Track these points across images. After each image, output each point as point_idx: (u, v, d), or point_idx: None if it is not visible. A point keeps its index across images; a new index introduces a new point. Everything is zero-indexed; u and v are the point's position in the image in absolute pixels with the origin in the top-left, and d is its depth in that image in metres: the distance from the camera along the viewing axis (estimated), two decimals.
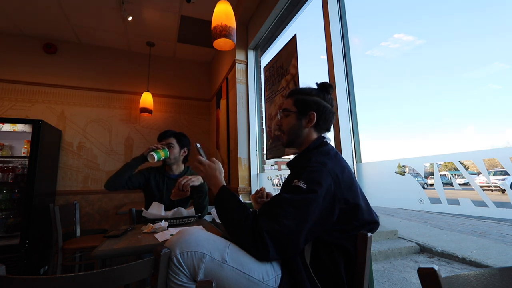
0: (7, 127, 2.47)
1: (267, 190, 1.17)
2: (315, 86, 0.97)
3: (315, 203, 0.70)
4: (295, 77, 1.79)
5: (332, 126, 0.97)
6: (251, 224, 0.71)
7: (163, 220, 1.16)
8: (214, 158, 0.95)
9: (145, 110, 2.95)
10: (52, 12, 2.59)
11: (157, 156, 1.43)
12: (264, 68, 2.34)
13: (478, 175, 1.03)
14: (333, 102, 0.95)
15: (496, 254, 2.91)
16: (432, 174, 1.07)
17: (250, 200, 2.19)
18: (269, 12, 2.12)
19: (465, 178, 0.97)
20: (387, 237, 3.51)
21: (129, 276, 0.57)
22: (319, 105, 0.90)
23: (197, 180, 1.38)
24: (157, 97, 3.37)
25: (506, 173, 0.84)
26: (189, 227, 0.78)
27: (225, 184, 0.88)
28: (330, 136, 1.01)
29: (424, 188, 1.10)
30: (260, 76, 2.51)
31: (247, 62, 2.60)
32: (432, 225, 4.59)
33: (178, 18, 2.74)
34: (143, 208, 1.42)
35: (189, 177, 1.37)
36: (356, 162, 1.38)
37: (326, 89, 0.95)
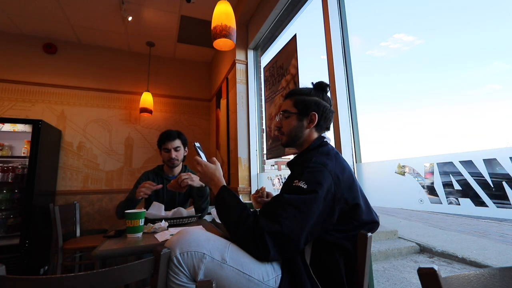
0: (7, 127, 2.47)
1: (267, 190, 1.16)
2: (311, 86, 0.97)
3: (315, 203, 0.70)
4: (295, 77, 1.79)
5: (332, 126, 0.98)
6: (251, 225, 0.71)
7: (163, 220, 1.16)
8: (214, 158, 0.95)
9: (145, 110, 2.95)
10: (52, 12, 2.59)
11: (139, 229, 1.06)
12: (264, 68, 2.34)
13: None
14: (331, 101, 0.95)
15: (496, 254, 2.91)
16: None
17: (250, 200, 2.20)
18: (269, 12, 2.12)
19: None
20: (387, 237, 3.51)
21: (129, 276, 0.57)
22: (319, 105, 0.91)
23: (197, 182, 1.36)
24: (157, 97, 3.37)
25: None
26: (189, 227, 0.78)
27: (225, 184, 0.88)
28: (330, 136, 1.01)
29: (424, 188, 1.10)
30: (260, 76, 2.51)
31: (247, 62, 2.60)
32: (432, 225, 4.59)
33: (178, 18, 2.74)
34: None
35: (192, 176, 1.36)
36: (356, 162, 1.38)
37: (323, 88, 0.95)
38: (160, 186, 1.34)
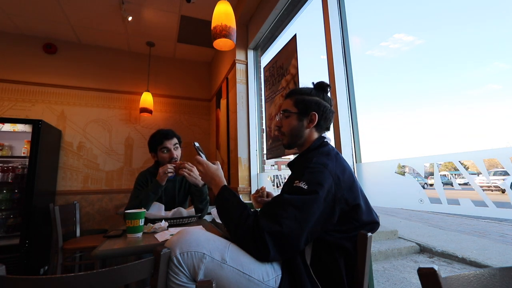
0: (7, 127, 2.47)
1: (267, 190, 1.16)
2: (311, 86, 0.97)
3: (316, 203, 0.70)
4: (295, 77, 1.79)
5: (332, 126, 0.97)
6: (252, 225, 0.71)
7: (163, 220, 1.16)
8: (218, 162, 0.95)
9: (145, 110, 2.95)
10: (52, 12, 2.59)
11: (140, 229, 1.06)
12: (264, 68, 2.34)
13: (478, 175, 1.03)
14: (331, 101, 0.95)
15: (496, 254, 2.91)
16: (432, 174, 1.07)
17: (250, 200, 2.20)
18: (269, 12, 2.12)
19: (465, 178, 0.97)
20: (387, 237, 3.51)
21: (129, 276, 0.57)
22: (319, 105, 0.90)
23: (191, 178, 1.35)
24: (157, 97, 3.37)
25: (506, 173, 0.84)
26: (189, 227, 0.78)
27: (226, 184, 0.88)
28: (330, 136, 1.01)
29: (424, 188, 1.10)
30: (260, 76, 2.51)
31: (247, 62, 2.60)
32: (432, 225, 4.59)
33: (178, 18, 2.74)
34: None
35: (194, 171, 1.34)
36: (356, 162, 1.38)
37: (324, 88, 0.95)
38: (178, 163, 1.38)
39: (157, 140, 1.48)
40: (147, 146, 1.56)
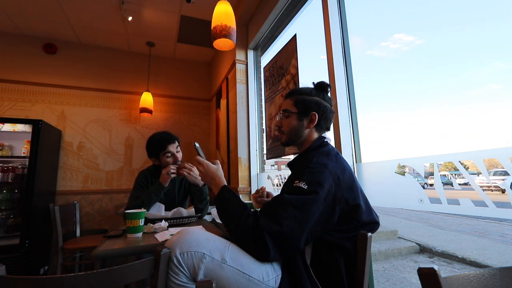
0: (7, 127, 2.47)
1: (267, 190, 1.16)
2: (312, 86, 0.97)
3: (316, 203, 0.70)
4: (295, 77, 1.79)
5: (332, 126, 0.97)
6: (252, 225, 0.71)
7: (163, 220, 1.16)
8: (217, 161, 0.95)
9: (145, 110, 2.95)
10: (52, 12, 2.59)
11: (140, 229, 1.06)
12: (264, 68, 2.34)
13: (478, 175, 1.03)
14: (331, 101, 0.95)
15: (496, 254, 2.91)
16: (432, 174, 1.07)
17: (250, 200, 2.20)
18: (269, 12, 2.12)
19: (465, 178, 0.97)
20: (387, 237, 3.51)
21: (129, 276, 0.57)
22: (319, 105, 0.90)
23: (191, 178, 1.35)
24: (157, 97, 3.37)
25: (506, 173, 0.84)
26: (189, 227, 0.78)
27: (226, 184, 0.88)
28: (330, 136, 1.01)
29: (424, 188, 1.10)
30: (260, 76, 2.51)
31: (247, 62, 2.60)
32: (432, 225, 4.59)
33: (178, 18, 2.74)
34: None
35: (194, 171, 1.34)
36: (356, 162, 1.38)
37: (324, 88, 0.95)
38: (180, 165, 1.39)
39: (160, 145, 1.44)
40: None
